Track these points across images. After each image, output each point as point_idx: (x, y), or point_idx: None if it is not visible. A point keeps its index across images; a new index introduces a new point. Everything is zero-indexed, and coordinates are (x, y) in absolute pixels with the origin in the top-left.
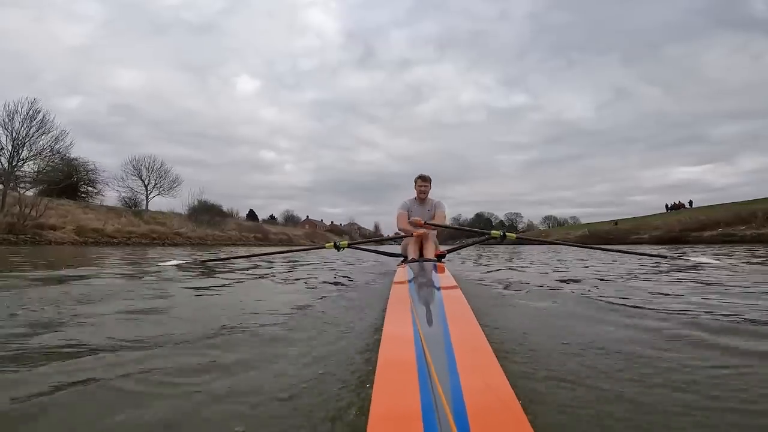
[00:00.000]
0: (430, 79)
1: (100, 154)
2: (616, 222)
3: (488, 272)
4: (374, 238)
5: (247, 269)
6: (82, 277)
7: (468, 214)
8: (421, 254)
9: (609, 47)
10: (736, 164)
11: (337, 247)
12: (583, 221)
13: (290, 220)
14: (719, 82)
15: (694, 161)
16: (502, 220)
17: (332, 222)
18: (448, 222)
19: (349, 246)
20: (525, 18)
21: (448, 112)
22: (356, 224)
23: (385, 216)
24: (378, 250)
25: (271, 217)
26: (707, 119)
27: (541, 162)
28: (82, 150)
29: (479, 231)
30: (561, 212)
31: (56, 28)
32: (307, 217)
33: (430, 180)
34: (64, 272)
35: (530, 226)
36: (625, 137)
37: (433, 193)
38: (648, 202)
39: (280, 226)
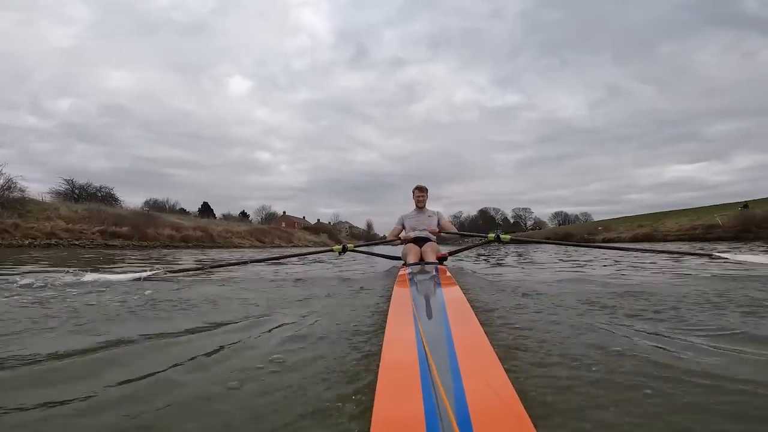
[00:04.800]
0: (423, 78)
1: (93, 156)
2: (745, 204)
3: (491, 273)
4: (374, 241)
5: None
6: None
7: (467, 213)
8: (421, 260)
9: (601, 45)
10: (729, 162)
11: (343, 250)
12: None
13: (270, 217)
14: (711, 80)
15: (688, 159)
16: (506, 218)
17: (318, 220)
18: (449, 225)
19: (354, 249)
20: (517, 16)
21: (442, 112)
22: (347, 222)
23: (379, 216)
24: (380, 253)
25: (243, 213)
26: (700, 117)
27: (536, 161)
28: (75, 153)
29: (477, 234)
30: (557, 210)
31: (45, 29)
32: (284, 212)
33: (427, 190)
34: None
35: (538, 224)
36: (618, 135)
37: (431, 194)
38: (644, 201)
39: (195, 218)
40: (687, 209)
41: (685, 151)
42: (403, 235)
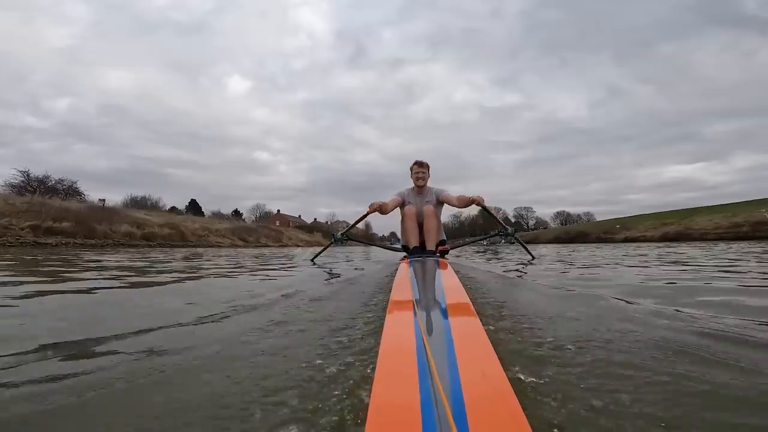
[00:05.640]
0: (422, 78)
1: (92, 156)
2: None
3: (491, 268)
4: (371, 241)
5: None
6: None
7: (467, 212)
8: (423, 244)
9: (601, 45)
10: (728, 162)
11: (336, 242)
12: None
13: (265, 216)
14: (711, 80)
15: (686, 159)
16: (508, 217)
17: (315, 219)
18: (452, 198)
19: (348, 239)
20: (517, 16)
21: (442, 112)
22: (345, 222)
23: (378, 215)
24: (379, 243)
25: (236, 212)
26: (699, 117)
27: (535, 161)
28: (73, 153)
29: (496, 230)
30: (558, 210)
31: (44, 29)
32: (278, 211)
33: (428, 166)
34: None
35: (540, 223)
36: (618, 136)
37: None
38: (642, 201)
39: (166, 214)
40: (716, 206)
41: (684, 152)
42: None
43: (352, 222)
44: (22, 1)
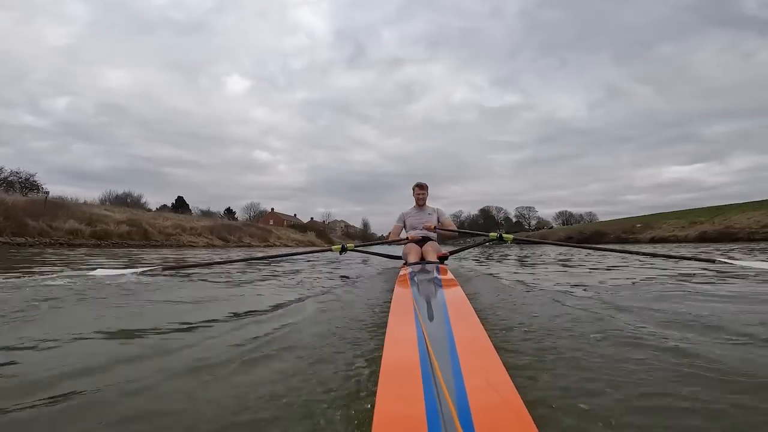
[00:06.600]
0: (421, 78)
1: (91, 155)
2: None
3: (492, 272)
4: (373, 242)
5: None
6: None
7: (468, 212)
8: (422, 259)
9: (600, 46)
10: (727, 163)
11: (343, 250)
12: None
13: (261, 215)
14: (710, 81)
15: (685, 160)
16: (509, 217)
17: (312, 218)
18: (449, 223)
19: (355, 249)
20: (516, 16)
21: (441, 112)
22: (343, 221)
23: (378, 215)
24: (380, 252)
25: (229, 210)
26: (698, 118)
27: (535, 161)
28: (72, 152)
29: (478, 233)
30: (559, 210)
31: (43, 29)
32: (272, 209)
33: (427, 187)
34: None
35: (542, 223)
36: (617, 136)
37: (430, 194)
38: (641, 201)
39: (132, 210)
40: (748, 202)
41: (683, 152)
42: (406, 234)
43: (356, 229)
44: (22, 1)
